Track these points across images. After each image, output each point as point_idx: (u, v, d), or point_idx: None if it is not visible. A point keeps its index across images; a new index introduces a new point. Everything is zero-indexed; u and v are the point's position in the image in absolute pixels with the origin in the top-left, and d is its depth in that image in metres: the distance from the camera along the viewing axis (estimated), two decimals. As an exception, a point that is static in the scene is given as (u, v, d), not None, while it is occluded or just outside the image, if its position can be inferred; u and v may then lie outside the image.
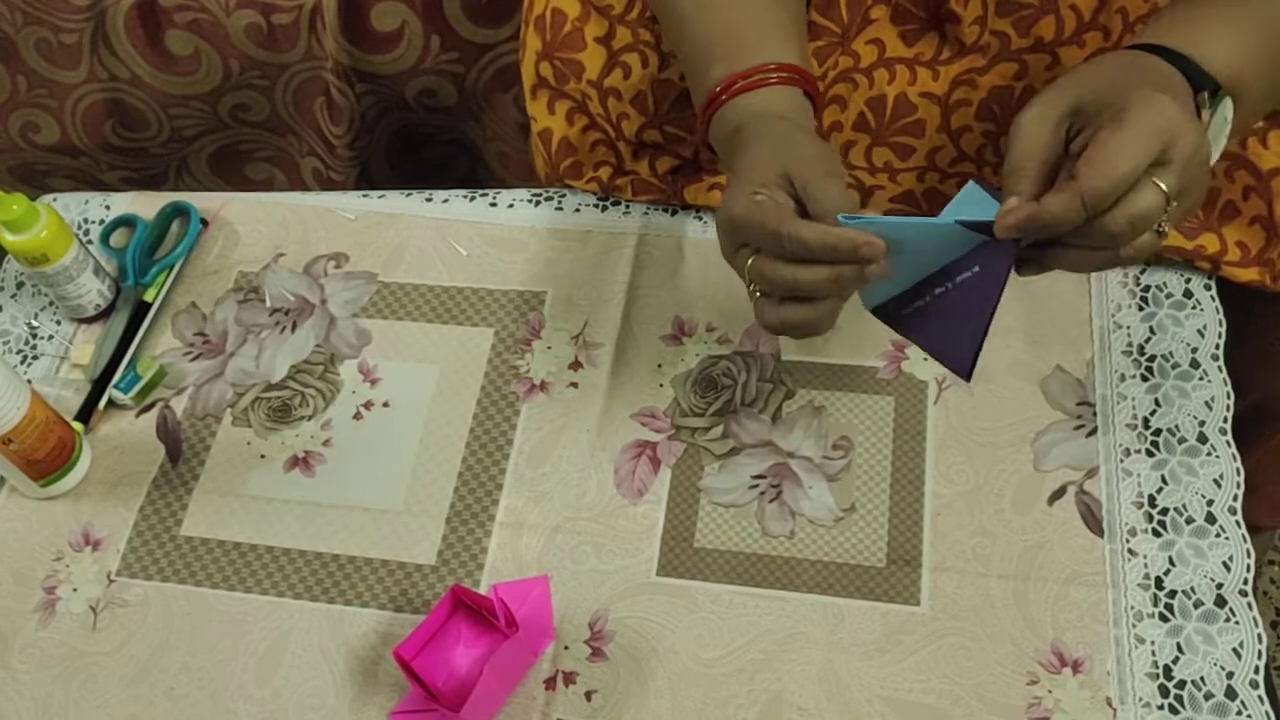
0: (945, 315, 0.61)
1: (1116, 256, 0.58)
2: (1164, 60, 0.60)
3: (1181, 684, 0.67)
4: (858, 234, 0.56)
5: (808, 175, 0.60)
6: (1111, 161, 0.53)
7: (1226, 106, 0.60)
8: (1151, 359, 0.78)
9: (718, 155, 0.70)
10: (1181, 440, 0.75)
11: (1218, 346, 0.78)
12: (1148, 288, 0.81)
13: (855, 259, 0.57)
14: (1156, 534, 0.72)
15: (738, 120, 0.66)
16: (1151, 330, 0.79)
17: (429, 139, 1.19)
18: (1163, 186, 0.54)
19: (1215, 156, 0.61)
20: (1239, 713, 0.66)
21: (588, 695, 0.69)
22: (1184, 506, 0.72)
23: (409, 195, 0.91)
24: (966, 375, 0.60)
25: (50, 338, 0.87)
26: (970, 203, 0.59)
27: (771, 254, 0.59)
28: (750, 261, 0.60)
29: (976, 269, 0.59)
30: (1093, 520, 0.72)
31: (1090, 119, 0.57)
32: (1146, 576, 0.70)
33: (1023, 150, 0.57)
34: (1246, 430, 0.78)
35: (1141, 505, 0.73)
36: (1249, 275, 0.79)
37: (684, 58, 0.74)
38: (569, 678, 0.70)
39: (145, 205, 0.92)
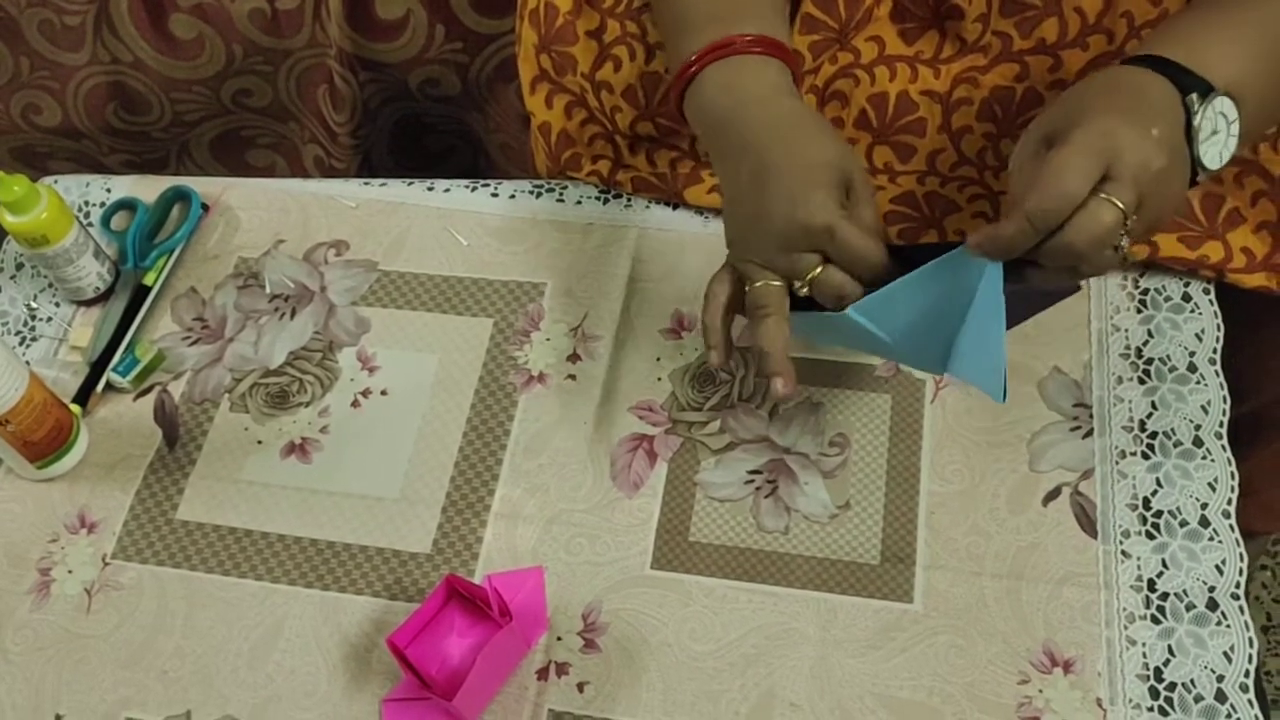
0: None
1: (1076, 273, 0.60)
2: (1151, 70, 0.61)
3: (1172, 686, 0.67)
4: None
5: (865, 195, 0.64)
6: (1051, 182, 0.56)
7: (1221, 104, 0.60)
8: (1149, 362, 0.78)
9: (693, 125, 0.71)
10: (1177, 444, 0.75)
11: (1215, 351, 0.78)
12: (1146, 290, 0.81)
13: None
14: (1150, 536, 0.72)
15: (732, 87, 0.67)
16: (1149, 333, 0.79)
17: (431, 129, 1.19)
18: (1117, 202, 0.56)
19: (1218, 158, 0.61)
20: (1228, 716, 0.66)
21: (580, 686, 0.69)
22: (1178, 509, 0.73)
23: (410, 184, 0.91)
24: (1001, 396, 0.61)
25: (49, 320, 0.86)
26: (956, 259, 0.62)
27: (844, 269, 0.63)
28: (821, 271, 0.63)
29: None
30: (1087, 521, 0.73)
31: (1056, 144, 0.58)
32: (1139, 578, 0.71)
33: (1011, 190, 0.61)
34: (1243, 436, 0.78)
35: (1136, 507, 0.73)
36: (1256, 281, 0.79)
37: (665, 27, 0.74)
38: (561, 669, 0.70)
39: (146, 189, 0.92)
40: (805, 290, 0.64)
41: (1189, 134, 0.59)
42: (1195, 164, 0.60)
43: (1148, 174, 0.57)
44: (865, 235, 0.62)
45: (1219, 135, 0.61)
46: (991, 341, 0.60)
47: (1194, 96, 0.59)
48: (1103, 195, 0.56)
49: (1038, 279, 0.61)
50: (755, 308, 0.65)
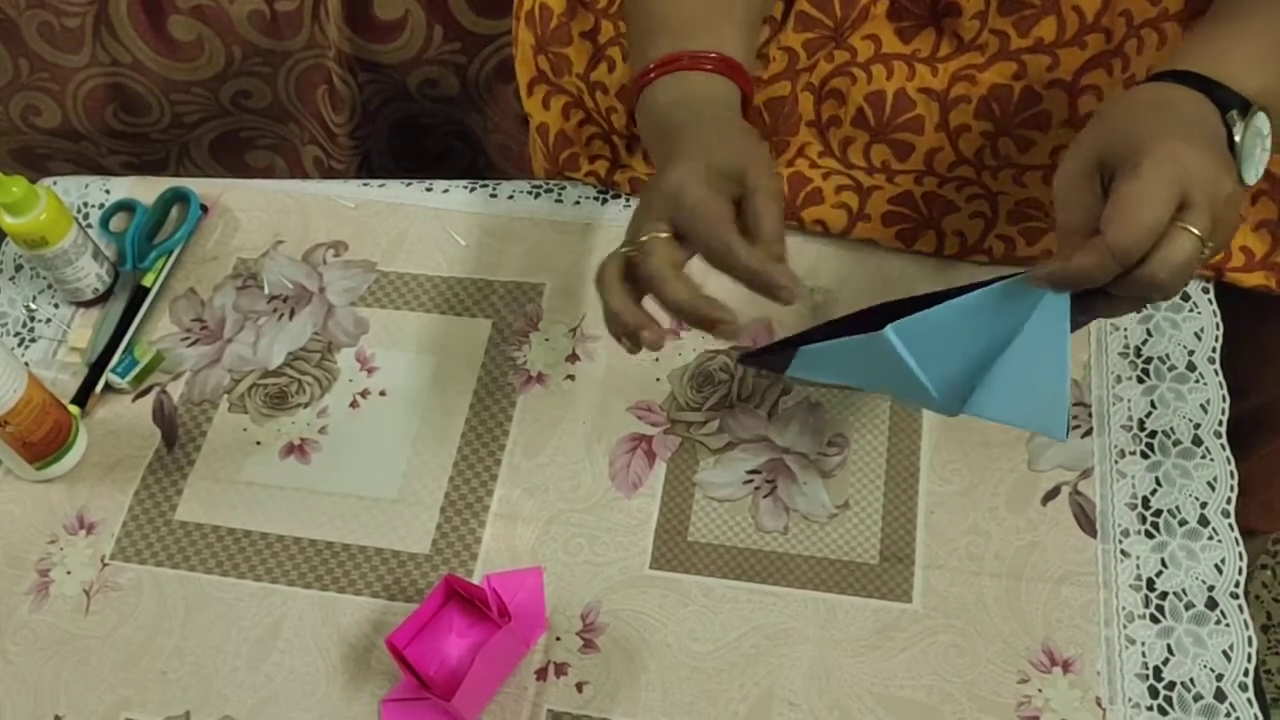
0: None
1: (1146, 300, 0.59)
2: (1188, 88, 0.60)
3: (1171, 685, 0.67)
4: (785, 276, 0.58)
5: (760, 186, 0.60)
6: (1132, 215, 0.54)
7: (1260, 120, 0.60)
8: (1148, 361, 0.78)
9: (640, 131, 0.69)
10: (1176, 443, 0.75)
11: (1214, 350, 0.78)
12: (1145, 290, 0.81)
13: (772, 294, 0.58)
14: (1149, 535, 0.72)
15: (676, 97, 0.66)
16: (1148, 332, 0.79)
17: (430, 129, 1.20)
18: (1194, 230, 0.55)
19: (1255, 172, 0.60)
20: (1227, 715, 0.66)
21: (579, 687, 0.69)
22: (1177, 509, 0.73)
23: (409, 185, 0.91)
24: (1064, 434, 0.60)
25: (48, 321, 0.87)
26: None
27: (695, 250, 0.59)
28: (659, 237, 0.60)
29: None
30: (1086, 521, 0.73)
31: (1114, 168, 0.57)
32: (1138, 578, 0.71)
33: (1062, 219, 0.59)
34: (1243, 435, 0.78)
35: (1135, 507, 0.73)
36: (1255, 280, 0.79)
37: (631, 34, 0.73)
38: (560, 669, 0.70)
39: (145, 190, 0.92)
40: (631, 252, 0.60)
41: (1231, 149, 0.59)
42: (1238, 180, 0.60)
43: (1220, 199, 0.56)
44: (722, 219, 0.59)
45: (1256, 150, 0.60)
46: (1054, 375, 0.59)
47: (1234, 113, 0.59)
48: (1180, 224, 0.55)
49: (1103, 308, 0.60)
50: (599, 270, 0.62)
